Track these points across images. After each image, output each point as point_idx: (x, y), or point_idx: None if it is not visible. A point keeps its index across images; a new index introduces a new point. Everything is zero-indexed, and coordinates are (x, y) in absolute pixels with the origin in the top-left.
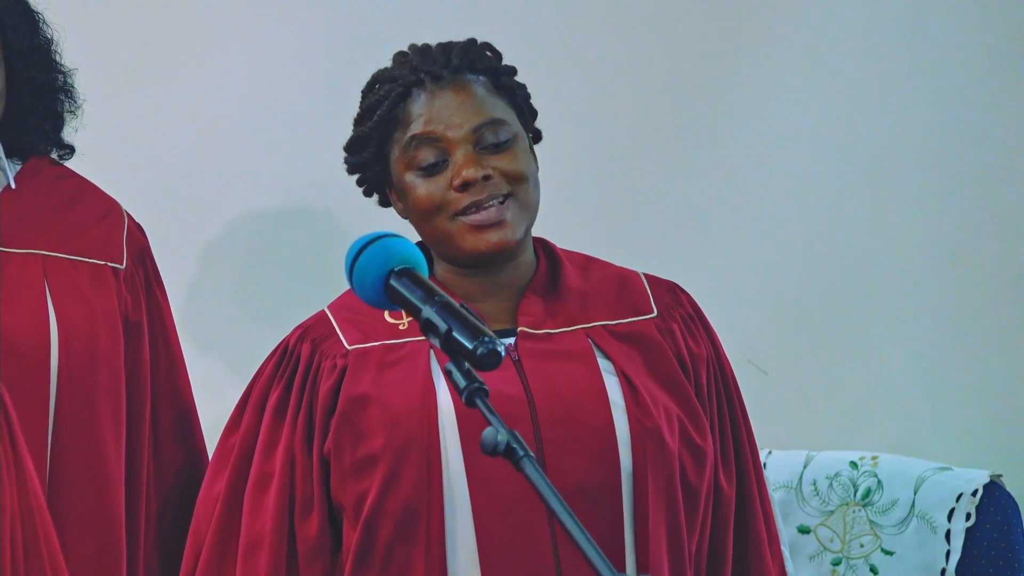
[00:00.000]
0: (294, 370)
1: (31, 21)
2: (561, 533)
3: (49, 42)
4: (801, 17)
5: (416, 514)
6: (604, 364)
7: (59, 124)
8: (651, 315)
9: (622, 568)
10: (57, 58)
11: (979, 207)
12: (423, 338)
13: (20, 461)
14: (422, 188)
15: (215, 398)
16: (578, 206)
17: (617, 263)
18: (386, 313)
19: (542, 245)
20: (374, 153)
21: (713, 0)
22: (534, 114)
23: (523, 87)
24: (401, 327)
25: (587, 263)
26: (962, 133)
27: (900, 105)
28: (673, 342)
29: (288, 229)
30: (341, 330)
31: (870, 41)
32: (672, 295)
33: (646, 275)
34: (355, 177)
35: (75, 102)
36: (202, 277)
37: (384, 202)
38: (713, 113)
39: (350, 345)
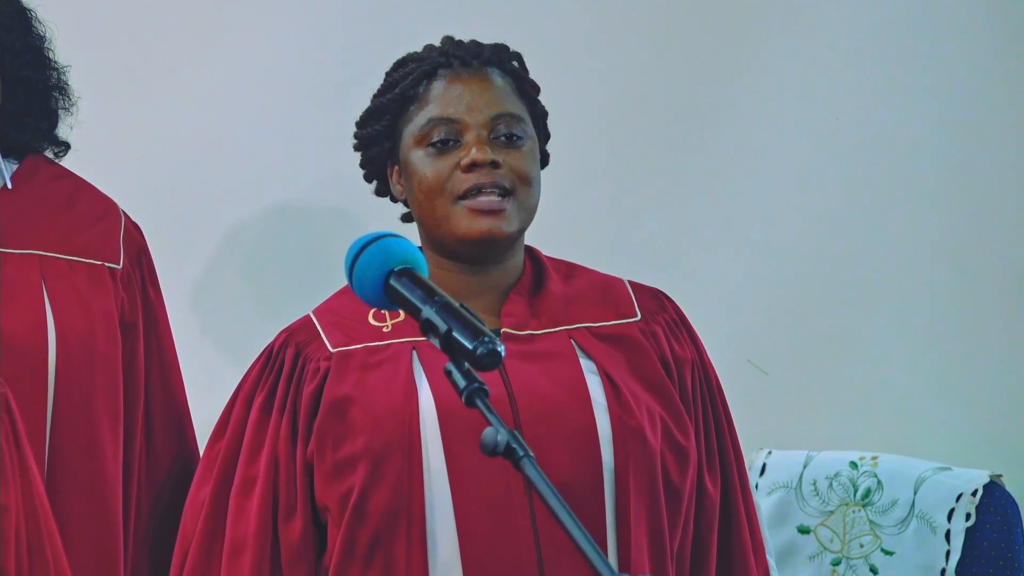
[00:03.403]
0: (278, 374)
1: (23, 19)
2: (544, 532)
3: (42, 40)
4: (801, 18)
5: (397, 513)
6: (586, 364)
7: (54, 121)
8: (635, 318)
9: None
10: (50, 55)
11: (979, 207)
12: (406, 340)
13: (25, 462)
14: (430, 167)
15: (217, 395)
16: (578, 207)
17: (617, 263)
18: (370, 316)
19: (528, 251)
20: (386, 127)
21: (713, 1)
22: (547, 136)
23: (542, 106)
24: (384, 329)
25: (571, 270)
26: (962, 133)
27: (900, 105)
28: (657, 344)
29: (292, 227)
30: (325, 333)
31: (870, 42)
32: (656, 301)
33: (630, 282)
34: (359, 167)
35: (69, 99)
36: (204, 275)
37: (381, 190)
38: (713, 114)
39: (333, 348)
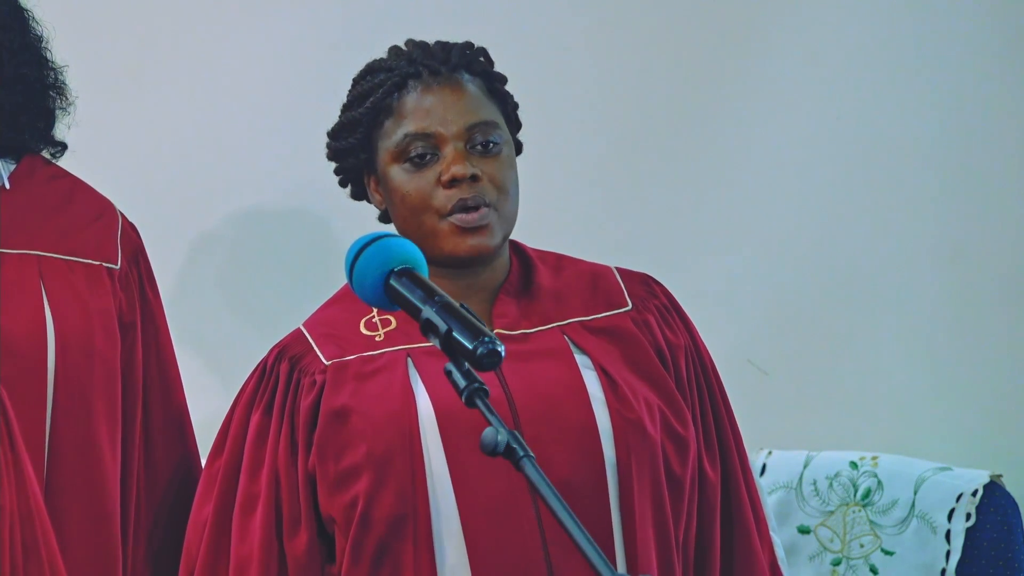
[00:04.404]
0: (274, 390)
1: (21, 19)
2: (550, 530)
3: (39, 39)
4: (801, 18)
5: (403, 519)
6: (582, 359)
7: (51, 121)
8: (626, 308)
9: (611, 561)
10: (48, 55)
11: (979, 206)
12: (399, 348)
13: (19, 463)
14: (410, 183)
15: (206, 399)
16: (577, 207)
17: (616, 263)
18: (361, 325)
19: (513, 247)
20: (360, 139)
21: (712, 0)
22: (519, 126)
23: (512, 97)
24: (377, 339)
25: (558, 261)
26: (962, 132)
27: (900, 105)
28: (650, 333)
29: (282, 229)
30: (318, 346)
31: (870, 41)
32: (646, 287)
33: (618, 269)
34: (333, 173)
35: (67, 99)
36: (194, 276)
37: (358, 193)
38: (713, 113)
39: (328, 360)
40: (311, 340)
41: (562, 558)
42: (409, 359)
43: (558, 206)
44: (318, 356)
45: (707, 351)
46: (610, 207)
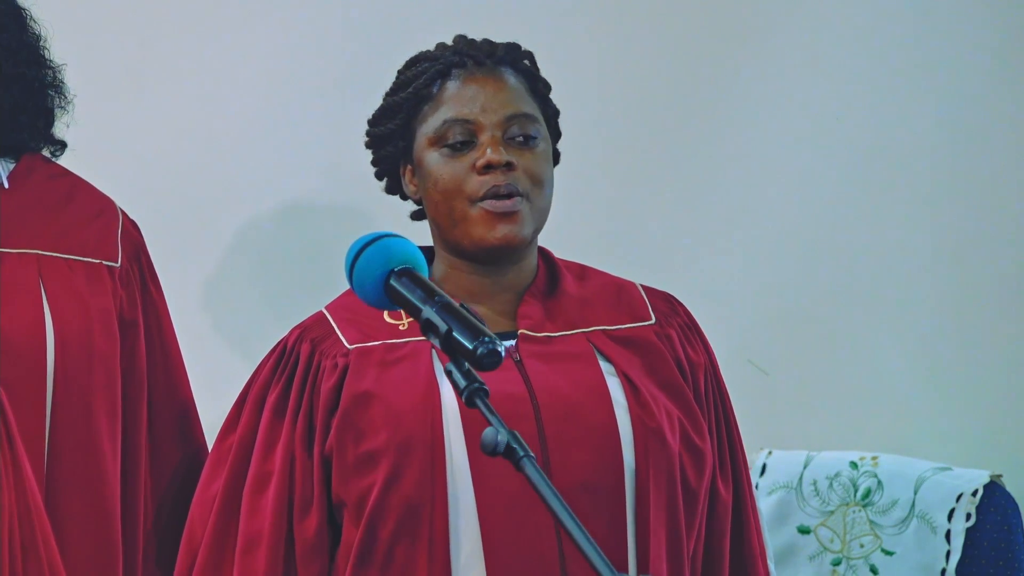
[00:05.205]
0: (293, 370)
1: (18, 18)
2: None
3: (37, 38)
4: (801, 18)
5: (419, 510)
6: (605, 366)
7: (50, 120)
8: (649, 322)
9: (623, 566)
10: (46, 54)
11: (980, 207)
12: (424, 338)
13: (18, 462)
14: (445, 168)
15: (228, 395)
16: (578, 206)
17: (618, 263)
18: (385, 313)
19: (541, 253)
20: (400, 125)
21: (713, 0)
22: (558, 135)
23: (554, 105)
24: (401, 327)
25: (584, 272)
26: (962, 133)
27: (901, 105)
28: (672, 348)
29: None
30: (340, 330)
31: (870, 42)
32: (669, 305)
33: (643, 286)
34: (370, 164)
35: (65, 97)
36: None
37: (392, 187)
38: (714, 113)
39: (350, 344)
40: (333, 323)
41: (576, 555)
42: (434, 350)
43: (558, 206)
44: (340, 339)
45: (722, 376)
46: (610, 208)
